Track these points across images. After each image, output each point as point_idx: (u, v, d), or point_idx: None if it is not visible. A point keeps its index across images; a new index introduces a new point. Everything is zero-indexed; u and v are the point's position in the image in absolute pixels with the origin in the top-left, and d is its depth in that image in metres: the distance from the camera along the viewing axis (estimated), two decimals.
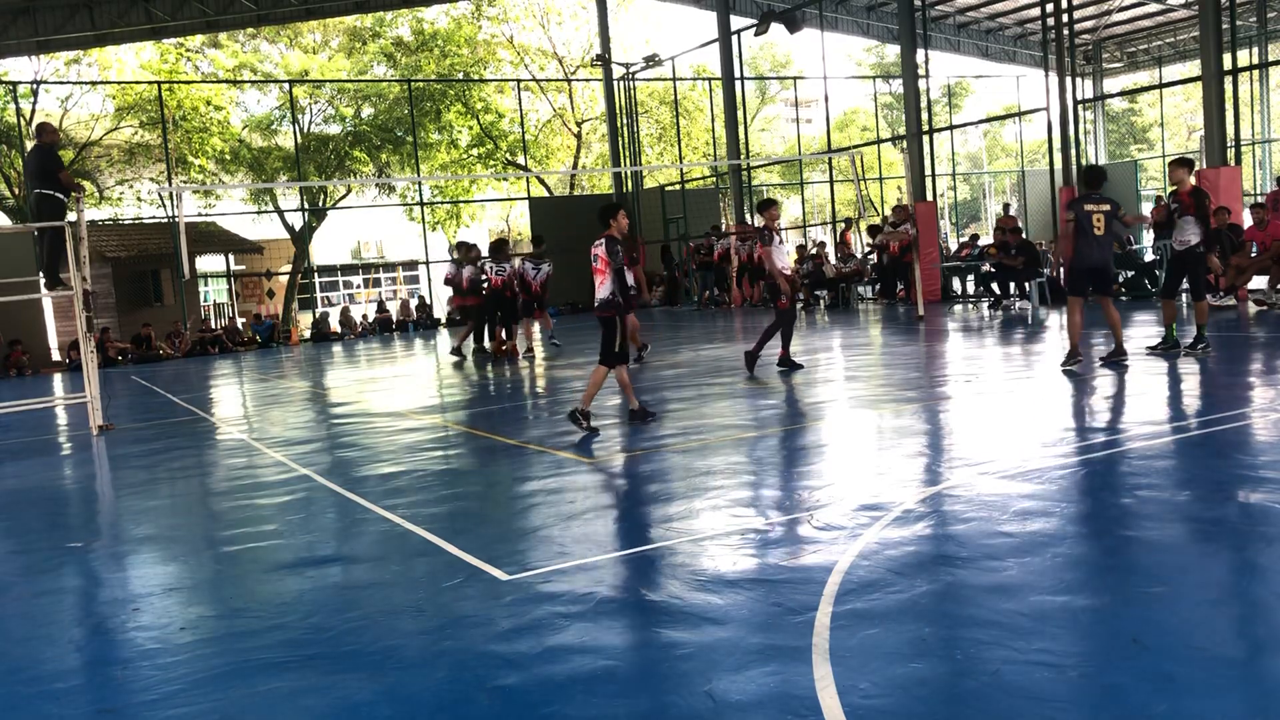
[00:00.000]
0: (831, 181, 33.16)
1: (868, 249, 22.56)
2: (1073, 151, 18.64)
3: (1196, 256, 9.94)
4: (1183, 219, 9.87)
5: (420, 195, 32.59)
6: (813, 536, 4.87)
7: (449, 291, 19.22)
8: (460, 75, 32.79)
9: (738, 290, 23.88)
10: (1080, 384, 8.86)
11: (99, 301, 18.13)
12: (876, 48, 46.80)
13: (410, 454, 8.14)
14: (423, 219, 31.02)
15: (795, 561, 4.53)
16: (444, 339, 22.45)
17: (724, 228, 26.17)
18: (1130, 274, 17.21)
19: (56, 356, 23.18)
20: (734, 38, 25.90)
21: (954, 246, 25.95)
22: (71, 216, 10.83)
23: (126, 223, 27.57)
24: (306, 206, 30.95)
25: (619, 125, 30.52)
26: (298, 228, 31.60)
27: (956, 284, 21.28)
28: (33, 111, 26.52)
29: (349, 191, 32.92)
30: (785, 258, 11.11)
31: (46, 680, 3.84)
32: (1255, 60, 27.37)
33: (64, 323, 23.19)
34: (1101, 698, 3.05)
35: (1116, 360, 9.62)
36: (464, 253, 16.63)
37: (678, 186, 30.69)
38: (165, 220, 26.22)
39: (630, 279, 8.23)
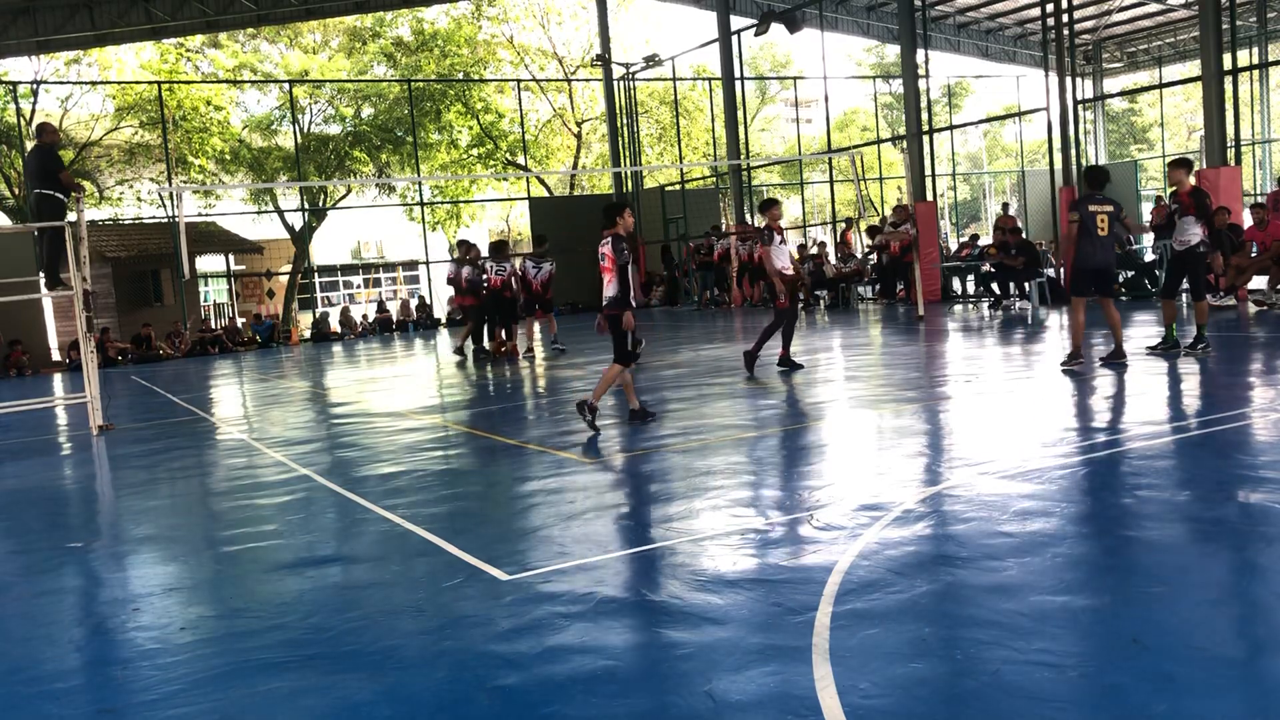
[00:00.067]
0: (831, 181, 33.15)
1: (868, 249, 22.56)
2: (1073, 152, 18.63)
3: (1196, 256, 9.95)
4: (1183, 219, 9.89)
5: (420, 195, 32.60)
6: (813, 536, 4.87)
7: (453, 290, 19.22)
8: (460, 75, 32.79)
9: (738, 290, 23.88)
10: (1080, 384, 8.86)
11: (99, 301, 18.13)
12: (876, 48, 46.80)
13: (410, 454, 8.14)
14: (423, 219, 31.02)
15: (795, 561, 4.53)
16: (444, 339, 22.44)
17: (724, 228, 26.16)
18: (1130, 274, 17.22)
19: (56, 356, 23.18)
20: (734, 38, 25.89)
21: (954, 246, 25.94)
22: (71, 216, 10.83)
23: (126, 223, 27.57)
24: (306, 206, 30.96)
25: (619, 125, 30.51)
26: (298, 228, 31.62)
27: (956, 284, 21.28)
28: (33, 111, 26.53)
29: (349, 191, 32.93)
30: (787, 257, 11.11)
31: (46, 680, 3.84)
32: (1255, 60, 27.37)
33: (64, 323, 23.19)
34: (1101, 698, 3.05)
35: (1116, 361, 9.62)
36: (463, 252, 16.58)
37: (678, 187, 30.70)
38: (165, 220, 26.22)
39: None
